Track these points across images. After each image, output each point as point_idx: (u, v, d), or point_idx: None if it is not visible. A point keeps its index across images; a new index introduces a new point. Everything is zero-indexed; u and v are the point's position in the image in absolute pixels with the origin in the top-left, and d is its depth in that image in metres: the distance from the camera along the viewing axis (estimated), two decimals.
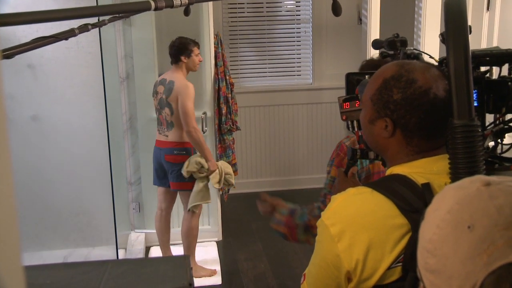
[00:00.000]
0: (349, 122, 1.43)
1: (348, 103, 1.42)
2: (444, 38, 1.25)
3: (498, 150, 1.26)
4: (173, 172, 3.68)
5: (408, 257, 1.03)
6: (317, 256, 1.17)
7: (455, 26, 1.06)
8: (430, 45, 3.54)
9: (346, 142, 2.11)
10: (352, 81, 1.50)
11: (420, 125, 1.12)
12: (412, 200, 1.05)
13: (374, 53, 3.86)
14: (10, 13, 0.85)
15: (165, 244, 3.89)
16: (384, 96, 1.14)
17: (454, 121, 1.03)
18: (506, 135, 1.24)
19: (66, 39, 1.03)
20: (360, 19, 5.12)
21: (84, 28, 1.10)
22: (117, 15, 1.24)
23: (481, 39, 3.97)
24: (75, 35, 1.05)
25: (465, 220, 0.67)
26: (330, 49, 5.54)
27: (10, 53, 0.94)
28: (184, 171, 3.61)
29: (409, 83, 1.11)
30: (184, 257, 1.54)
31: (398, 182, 1.10)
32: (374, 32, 3.77)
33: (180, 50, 3.61)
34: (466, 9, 1.06)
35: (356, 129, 1.42)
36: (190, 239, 3.82)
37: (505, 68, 1.24)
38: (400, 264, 1.06)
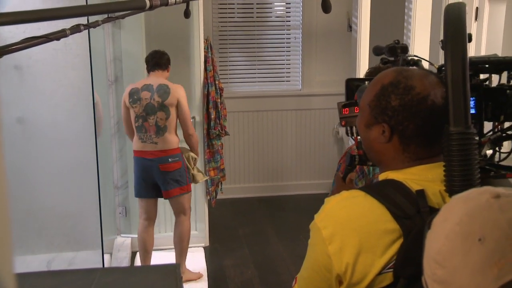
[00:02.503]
0: (348, 128, 1.42)
1: (347, 108, 1.41)
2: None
3: (496, 158, 1.25)
4: (171, 180, 3.64)
5: (399, 263, 1.03)
6: (309, 259, 1.17)
7: (454, 33, 1.05)
8: (420, 51, 3.55)
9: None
10: (352, 87, 1.49)
11: (418, 132, 1.12)
12: (405, 206, 1.05)
13: (364, 61, 3.86)
14: None
15: (148, 254, 3.83)
16: (382, 102, 1.14)
17: (450, 128, 1.03)
18: (505, 143, 1.24)
19: (58, 39, 1.01)
20: (350, 26, 5.13)
21: (76, 29, 1.08)
22: (111, 16, 1.22)
23: (470, 49, 3.99)
24: (66, 36, 1.03)
25: (476, 232, 0.67)
26: (320, 56, 5.55)
27: None
28: (196, 172, 3.76)
29: (407, 90, 1.11)
30: (174, 266, 1.51)
31: (392, 188, 1.09)
32: (364, 39, 3.78)
33: (169, 60, 3.67)
34: (465, 16, 1.06)
35: (355, 135, 1.41)
36: (185, 243, 3.81)
37: (505, 76, 1.24)
38: (391, 270, 1.05)
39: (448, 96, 1.04)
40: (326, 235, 1.09)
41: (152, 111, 3.56)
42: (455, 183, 1.02)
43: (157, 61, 3.60)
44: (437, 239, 0.72)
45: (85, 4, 2.83)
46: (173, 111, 3.57)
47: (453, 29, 1.06)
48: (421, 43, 3.64)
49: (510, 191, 0.71)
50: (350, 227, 1.08)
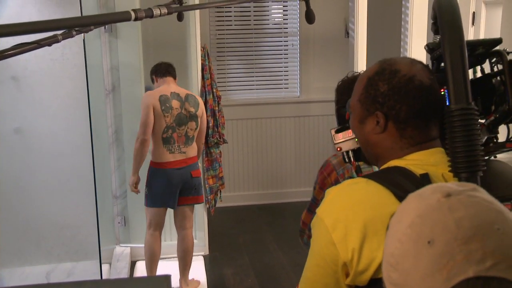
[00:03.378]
0: (345, 153, 1.41)
1: (340, 134, 1.41)
2: (430, 48, 1.23)
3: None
4: (199, 186, 3.72)
5: None
6: (313, 254, 1.13)
7: (449, 15, 1.07)
8: (417, 56, 3.54)
9: (333, 161, 2.08)
10: (343, 114, 1.49)
11: (412, 113, 1.12)
12: (410, 189, 1.00)
13: (362, 67, 3.86)
14: None
15: (156, 264, 3.78)
16: (371, 92, 1.14)
17: (451, 106, 1.03)
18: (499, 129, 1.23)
19: (50, 45, 1.01)
20: (347, 32, 5.13)
21: (68, 34, 1.07)
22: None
23: None
24: (58, 41, 1.03)
25: (426, 235, 0.67)
26: (318, 62, 5.54)
27: None
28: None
29: (393, 74, 1.12)
30: (165, 277, 1.49)
31: (395, 172, 1.08)
32: (361, 45, 3.77)
33: (175, 70, 3.69)
34: (457, 4, 1.08)
35: (352, 160, 1.40)
36: (191, 256, 3.80)
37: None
38: None
39: (447, 75, 1.04)
40: (329, 224, 1.07)
41: (184, 121, 3.54)
42: (459, 160, 1.01)
43: (168, 68, 3.62)
44: (391, 242, 0.72)
45: (80, 13, 2.82)
46: (199, 122, 3.62)
47: (448, 11, 1.07)
48: (419, 48, 3.63)
49: (463, 187, 0.71)
50: (353, 212, 1.05)
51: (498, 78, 1.19)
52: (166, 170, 3.54)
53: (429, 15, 3.59)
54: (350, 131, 1.36)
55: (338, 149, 1.41)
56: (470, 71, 1.24)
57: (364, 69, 3.78)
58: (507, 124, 1.20)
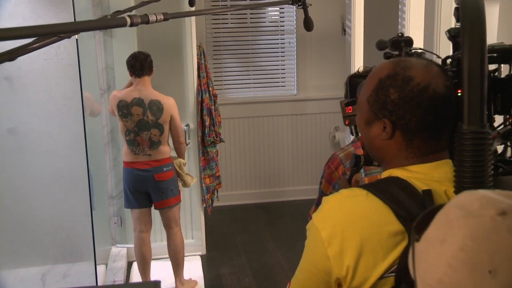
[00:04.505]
0: (353, 127, 1.36)
1: (351, 107, 1.36)
2: (452, 34, 1.17)
3: (508, 153, 1.19)
4: (166, 189, 3.62)
5: (402, 268, 0.97)
6: (306, 260, 1.11)
7: (472, 22, 0.98)
8: None
9: (340, 154, 2.05)
10: (355, 84, 1.44)
11: (421, 125, 1.05)
12: (410, 207, 0.99)
13: (359, 64, 3.83)
14: None
15: (148, 265, 3.78)
16: (381, 97, 1.08)
17: (463, 127, 0.97)
18: None
19: (69, 37, 1.01)
20: (344, 30, 5.11)
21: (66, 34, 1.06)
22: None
23: None
24: (76, 34, 1.04)
25: (485, 262, 0.58)
26: (315, 60, 5.52)
27: None
28: (188, 181, 3.75)
29: (406, 81, 1.05)
30: (154, 283, 1.46)
31: (397, 186, 1.03)
32: (358, 42, 3.75)
33: (152, 62, 3.56)
34: (483, 3, 0.98)
35: (360, 134, 1.37)
36: (181, 254, 3.78)
37: None
38: (393, 274, 1.00)
39: (464, 91, 0.97)
40: (325, 237, 1.04)
41: (146, 127, 3.51)
42: (466, 186, 0.96)
43: (141, 66, 3.48)
44: (437, 265, 0.63)
45: (73, 13, 2.79)
46: (166, 127, 3.55)
47: (472, 17, 0.98)
48: (416, 45, 3.61)
49: None
50: (351, 228, 1.02)
51: None
52: (131, 170, 3.58)
53: (425, 12, 3.57)
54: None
55: (347, 122, 1.37)
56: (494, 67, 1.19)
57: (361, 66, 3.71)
58: None
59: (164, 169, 3.58)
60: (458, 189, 0.99)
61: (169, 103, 3.54)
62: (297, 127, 5.62)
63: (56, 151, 3.11)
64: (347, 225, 1.03)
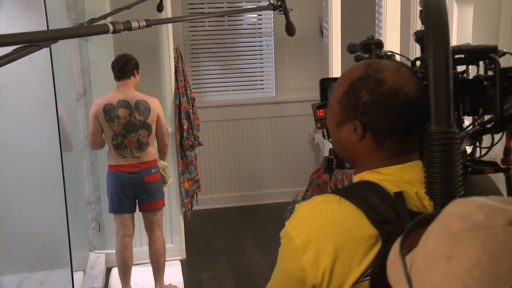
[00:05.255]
0: (325, 130, 1.36)
1: (322, 110, 1.35)
2: (419, 37, 1.18)
3: (477, 154, 1.20)
4: (155, 191, 3.60)
5: (377, 271, 0.97)
6: (281, 269, 1.10)
7: (436, 24, 0.99)
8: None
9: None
10: (326, 87, 1.44)
11: (392, 128, 1.05)
12: (383, 210, 0.99)
13: (337, 66, 3.83)
14: None
15: (129, 271, 3.72)
16: (352, 99, 1.07)
17: (431, 127, 0.98)
18: (484, 137, 1.18)
19: (48, 46, 1.00)
20: (322, 32, 5.12)
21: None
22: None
23: None
24: (55, 41, 1.03)
25: (505, 278, 0.53)
26: (293, 62, 5.53)
27: None
28: (168, 182, 3.76)
29: (378, 84, 1.04)
30: None
31: (368, 190, 1.03)
32: (335, 44, 3.76)
33: (136, 65, 3.53)
34: (446, 6, 1.00)
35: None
36: (163, 259, 3.75)
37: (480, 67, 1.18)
38: (368, 278, 0.99)
39: (430, 93, 0.98)
40: (299, 244, 1.03)
41: (133, 129, 3.48)
42: (436, 186, 0.97)
43: (122, 68, 3.46)
44: (448, 285, 0.56)
45: (45, 15, 2.74)
46: (154, 127, 3.53)
47: (435, 19, 1.00)
48: (392, 46, 3.64)
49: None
50: (325, 234, 1.02)
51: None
52: (119, 174, 3.53)
53: (401, 12, 3.59)
54: None
55: (318, 125, 1.36)
56: (462, 68, 1.19)
57: (339, 69, 3.72)
58: (491, 134, 1.16)
59: (153, 171, 3.57)
60: (430, 191, 0.99)
61: (155, 103, 3.55)
62: (276, 130, 5.62)
63: (30, 156, 3.06)
64: (322, 231, 1.03)
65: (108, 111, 3.45)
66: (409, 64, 1.22)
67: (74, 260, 3.14)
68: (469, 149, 1.23)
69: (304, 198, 2.06)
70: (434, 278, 0.58)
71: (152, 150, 3.58)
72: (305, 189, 2.07)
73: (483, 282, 0.54)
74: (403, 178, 1.06)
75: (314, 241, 1.02)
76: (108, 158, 3.56)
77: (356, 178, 1.13)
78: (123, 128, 3.47)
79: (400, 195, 1.01)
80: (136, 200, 3.61)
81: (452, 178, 0.97)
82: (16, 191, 3.08)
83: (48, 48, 2.91)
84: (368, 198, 1.01)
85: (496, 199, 0.61)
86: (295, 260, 1.04)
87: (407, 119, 1.05)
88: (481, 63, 1.19)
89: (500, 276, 0.54)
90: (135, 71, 3.52)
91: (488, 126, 1.15)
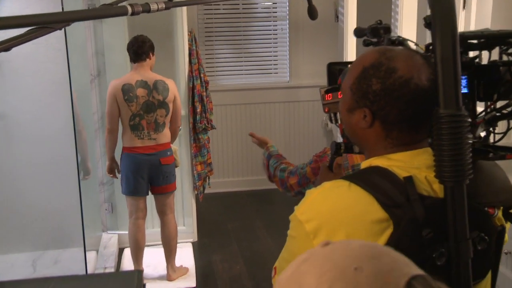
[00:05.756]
0: (332, 115, 1.35)
1: (330, 94, 1.34)
2: (428, 22, 1.16)
3: (491, 139, 1.19)
4: (170, 174, 3.62)
5: None
6: (290, 252, 1.11)
7: (442, 8, 0.99)
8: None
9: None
10: (334, 71, 1.42)
11: (401, 118, 1.05)
12: (394, 194, 0.98)
13: (351, 51, 3.80)
14: None
15: (142, 252, 3.75)
16: (363, 86, 1.07)
17: (439, 111, 0.97)
18: (499, 123, 1.16)
19: (60, 29, 0.99)
20: (337, 16, 5.07)
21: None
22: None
23: None
24: (69, 25, 1.01)
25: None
26: (307, 47, 5.49)
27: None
28: (178, 165, 3.78)
29: (389, 73, 1.04)
30: (134, 272, 1.44)
31: (378, 175, 1.03)
32: (351, 29, 3.72)
33: (152, 47, 3.52)
34: None
35: (339, 122, 1.34)
36: (175, 241, 3.77)
37: (495, 53, 1.16)
38: None
39: (438, 77, 0.98)
40: (310, 229, 1.03)
41: (152, 109, 3.49)
42: (446, 169, 0.97)
43: (137, 50, 3.46)
44: None
45: (61, 4, 2.75)
46: (171, 107, 3.54)
47: (441, 3, 0.99)
48: (409, 31, 3.59)
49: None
50: (336, 220, 1.02)
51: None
52: (135, 155, 3.52)
53: None
54: (340, 93, 1.29)
55: (326, 109, 1.35)
56: (475, 54, 1.17)
57: (354, 54, 3.69)
58: (508, 120, 1.14)
59: (168, 153, 3.60)
60: (439, 174, 0.99)
61: (172, 84, 3.58)
62: (290, 115, 5.61)
63: (45, 136, 3.08)
64: (332, 216, 1.03)
65: (126, 91, 3.45)
66: (421, 50, 1.20)
67: (87, 240, 3.18)
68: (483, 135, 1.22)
69: (298, 170, 2.04)
70: None
71: (168, 132, 3.59)
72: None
73: None
74: (412, 164, 1.05)
75: (325, 226, 1.02)
76: (123, 140, 3.55)
77: (364, 164, 1.13)
78: (141, 108, 3.47)
79: (409, 179, 1.00)
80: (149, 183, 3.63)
81: (462, 161, 0.96)
82: (30, 171, 3.11)
83: (63, 29, 2.92)
84: (378, 183, 1.01)
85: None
86: (306, 244, 1.03)
87: (416, 109, 1.04)
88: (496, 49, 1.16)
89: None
90: (150, 53, 3.52)
91: (504, 111, 1.13)
